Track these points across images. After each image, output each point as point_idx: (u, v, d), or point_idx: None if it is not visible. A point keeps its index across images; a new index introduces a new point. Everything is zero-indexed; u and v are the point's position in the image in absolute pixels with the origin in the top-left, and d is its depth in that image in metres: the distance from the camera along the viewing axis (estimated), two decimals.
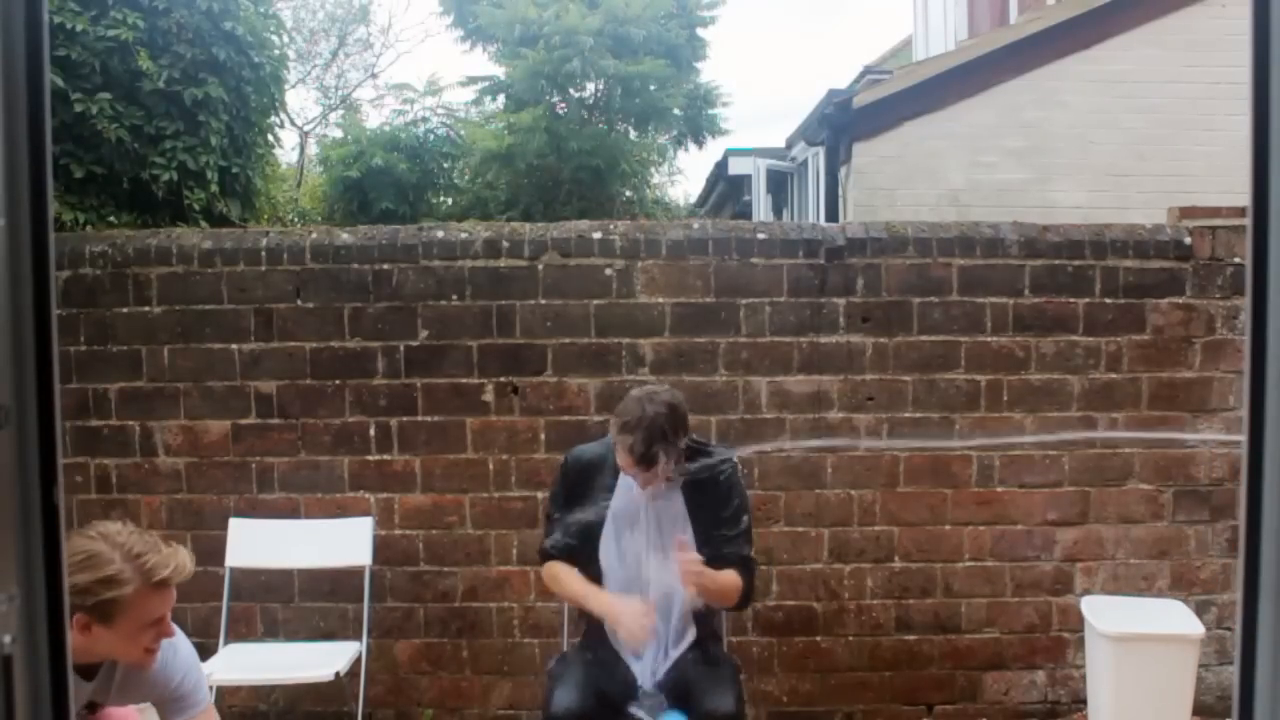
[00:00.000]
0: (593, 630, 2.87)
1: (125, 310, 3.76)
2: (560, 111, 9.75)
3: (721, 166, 11.47)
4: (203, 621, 3.58)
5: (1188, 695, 3.38)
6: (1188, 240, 3.78)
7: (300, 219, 9.77)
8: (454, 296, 3.74)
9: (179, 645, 2.20)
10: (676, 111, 10.27)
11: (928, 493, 3.78)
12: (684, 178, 29.59)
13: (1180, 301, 3.78)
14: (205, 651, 2.42)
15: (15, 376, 0.78)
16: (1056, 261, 3.76)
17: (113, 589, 1.94)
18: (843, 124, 7.19)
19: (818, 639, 3.79)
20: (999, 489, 3.78)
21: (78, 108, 4.29)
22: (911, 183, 6.90)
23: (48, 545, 0.80)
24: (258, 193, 5.47)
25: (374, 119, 14.83)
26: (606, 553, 2.81)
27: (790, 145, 9.43)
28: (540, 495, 3.62)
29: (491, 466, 3.77)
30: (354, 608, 3.72)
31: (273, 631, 3.78)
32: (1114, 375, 3.77)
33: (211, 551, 3.56)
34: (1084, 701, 3.68)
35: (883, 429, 3.75)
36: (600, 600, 2.76)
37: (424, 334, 3.75)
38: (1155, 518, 3.80)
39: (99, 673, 2.14)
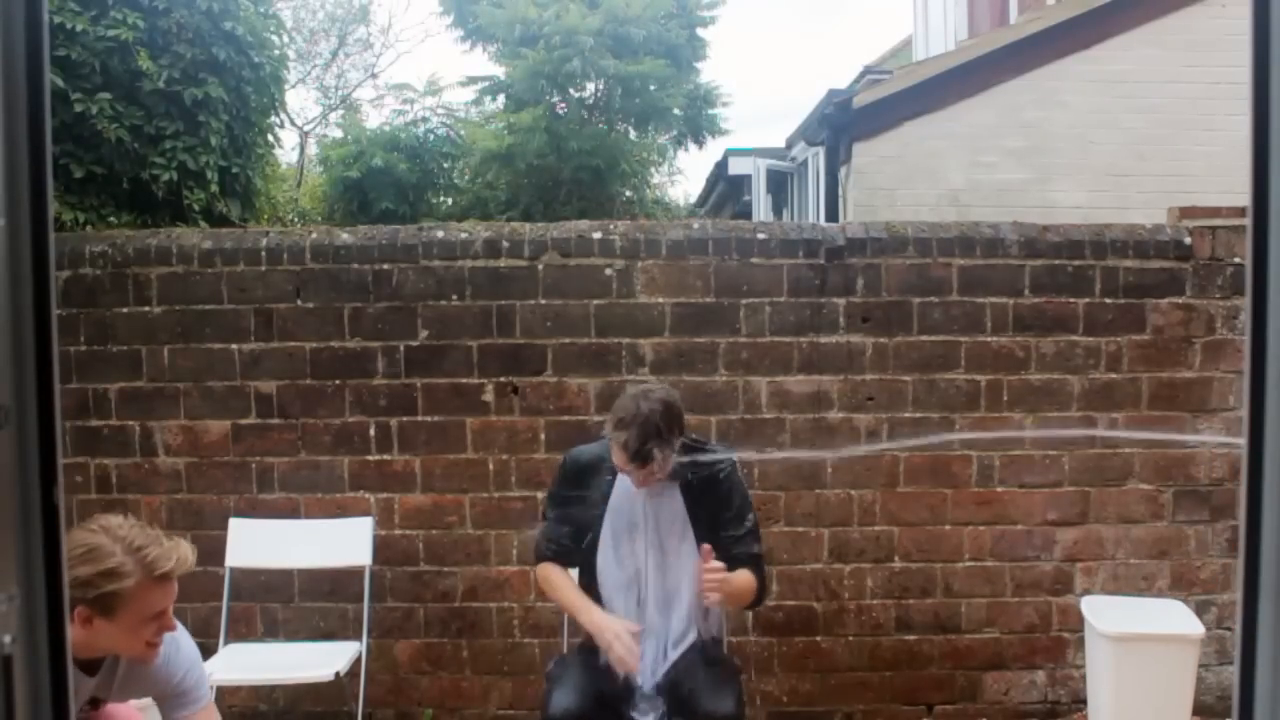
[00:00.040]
0: None
1: (125, 310, 3.76)
2: (560, 111, 9.76)
3: (721, 166, 11.47)
4: (203, 621, 3.58)
5: (1188, 695, 3.38)
6: (1188, 240, 3.78)
7: (300, 219, 9.78)
8: (454, 296, 3.74)
9: (181, 641, 2.20)
10: (676, 111, 10.28)
11: (928, 493, 3.78)
12: (684, 178, 29.62)
13: (1180, 301, 3.78)
14: (205, 651, 2.42)
15: (15, 376, 0.78)
16: (1056, 261, 3.76)
17: (114, 582, 1.93)
18: (843, 124, 7.19)
19: (818, 639, 3.79)
20: (999, 489, 3.78)
21: (78, 108, 4.29)
22: (911, 183, 6.90)
23: (48, 545, 0.80)
24: (258, 193, 5.47)
25: (374, 119, 14.85)
26: (604, 553, 2.81)
27: (790, 145, 9.43)
28: (540, 495, 3.61)
29: (491, 466, 3.77)
30: (354, 608, 3.72)
31: (273, 631, 3.78)
32: (1114, 375, 3.77)
33: (211, 551, 3.55)
34: (1084, 701, 3.68)
35: (883, 429, 3.75)
36: (590, 616, 2.75)
37: (424, 334, 3.75)
38: (1155, 518, 3.80)
39: (101, 668, 2.14)
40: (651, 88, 9.72)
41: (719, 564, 2.61)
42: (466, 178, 10.50)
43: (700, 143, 10.97)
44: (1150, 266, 3.78)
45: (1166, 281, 3.78)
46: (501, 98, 10.42)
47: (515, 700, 3.78)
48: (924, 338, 3.75)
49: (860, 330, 3.75)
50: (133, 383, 3.77)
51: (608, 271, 3.74)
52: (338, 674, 3.29)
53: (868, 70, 8.77)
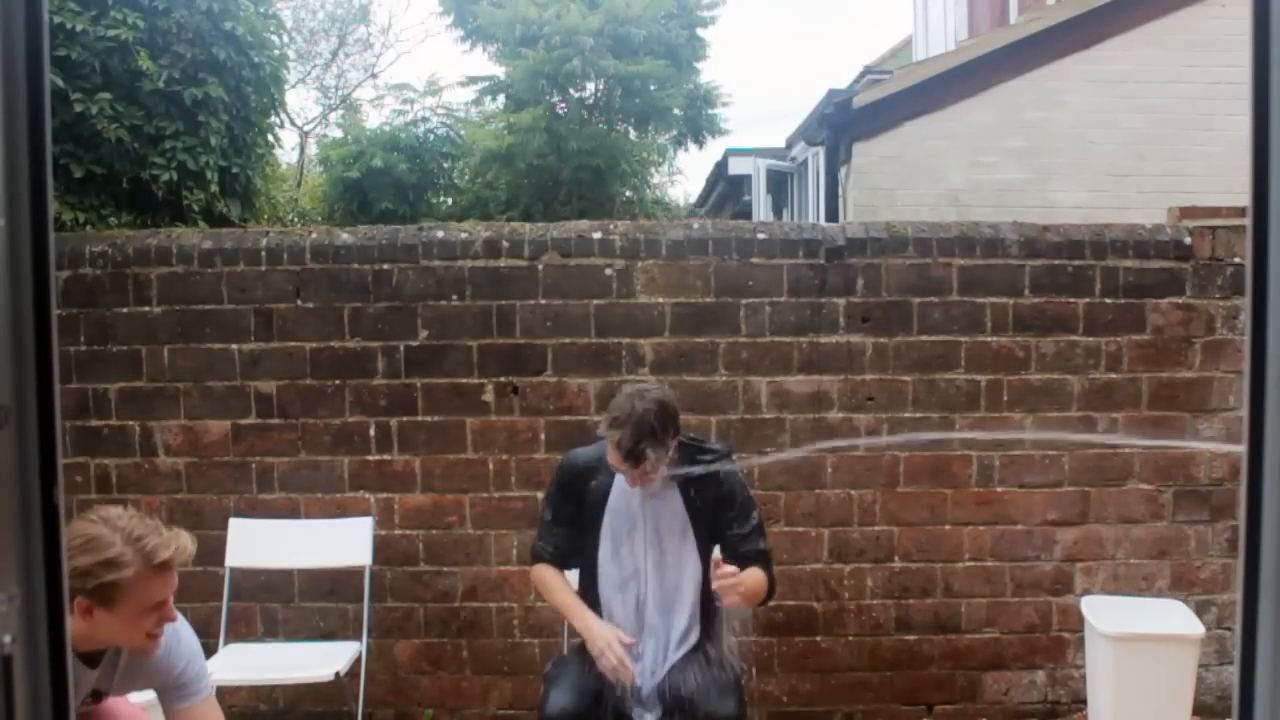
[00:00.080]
0: None
1: (125, 310, 3.76)
2: (560, 111, 9.75)
3: (721, 166, 11.47)
4: (203, 621, 3.57)
5: (1188, 695, 3.38)
6: (1188, 240, 3.78)
7: (300, 219, 9.78)
8: (454, 296, 3.74)
9: (181, 632, 2.19)
10: (676, 111, 10.27)
11: (928, 493, 3.78)
12: (684, 178, 29.64)
13: (1180, 301, 3.78)
14: (206, 651, 2.41)
15: (15, 376, 0.78)
16: (1056, 261, 3.76)
17: (113, 571, 1.93)
18: (843, 124, 7.19)
19: (818, 639, 3.79)
20: (999, 489, 3.78)
21: (78, 108, 4.28)
22: (911, 183, 6.90)
23: (48, 545, 0.80)
24: (258, 193, 5.47)
25: (374, 119, 14.85)
26: (604, 554, 2.81)
27: (790, 145, 9.43)
28: (540, 495, 3.62)
29: (491, 466, 3.77)
30: (354, 608, 3.72)
31: (273, 631, 3.78)
32: (1114, 375, 3.77)
33: (211, 551, 3.55)
34: (1084, 701, 3.68)
35: (883, 429, 3.74)
36: (584, 622, 2.74)
37: (424, 334, 3.75)
38: (1155, 518, 3.80)
39: (103, 660, 2.13)
40: (651, 88, 9.72)
41: (731, 568, 2.58)
42: (466, 178, 10.50)
43: (700, 143, 10.97)
44: (1150, 266, 3.78)
45: (1166, 281, 3.78)
46: (501, 98, 10.42)
47: (515, 700, 3.78)
48: (924, 338, 3.75)
49: (860, 330, 3.75)
50: (133, 383, 3.77)
51: (608, 271, 3.74)
52: (338, 674, 3.29)
53: (868, 70, 8.77)
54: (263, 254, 3.76)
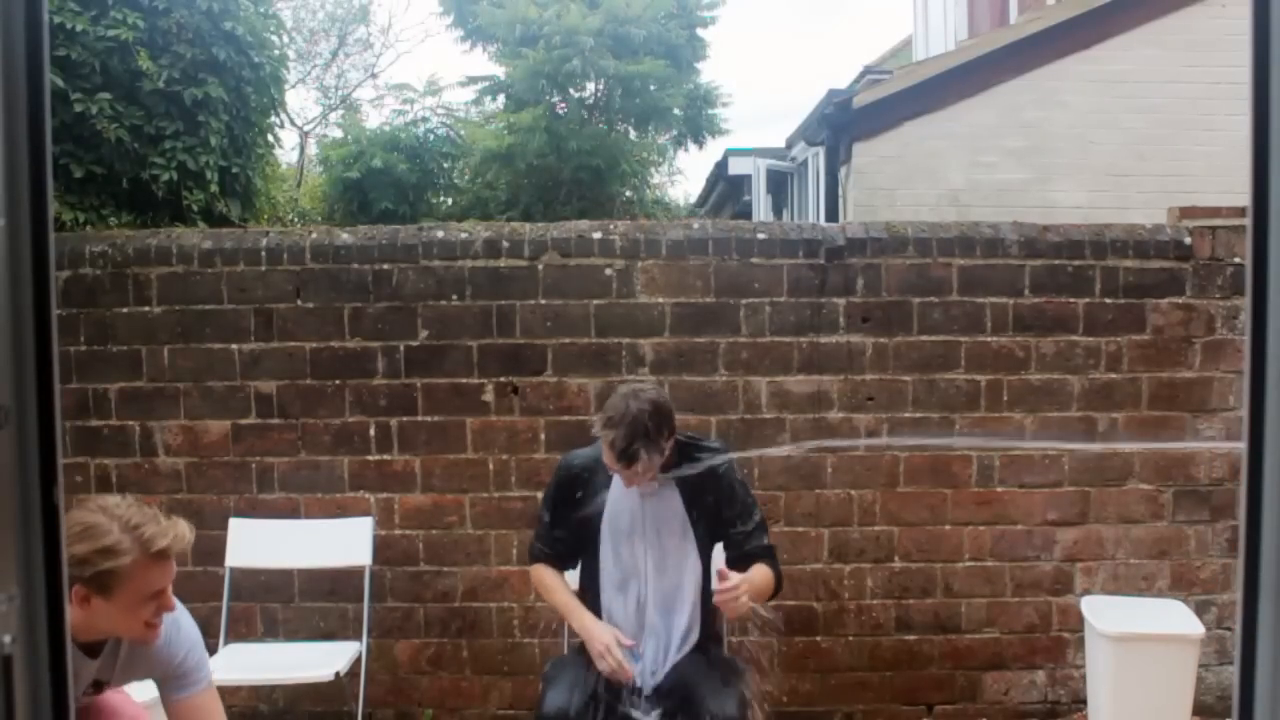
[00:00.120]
0: None
1: (125, 310, 3.76)
2: (560, 111, 9.75)
3: (721, 166, 11.46)
4: (203, 621, 3.52)
5: (1188, 695, 3.38)
6: (1188, 240, 3.78)
7: (300, 219, 9.77)
8: (454, 296, 3.74)
9: (181, 621, 2.18)
10: (676, 111, 10.27)
11: (928, 493, 3.78)
12: (684, 178, 29.64)
13: (1180, 301, 3.78)
14: (206, 651, 2.42)
15: (15, 376, 0.78)
16: (1056, 261, 3.76)
17: (111, 559, 1.91)
18: (843, 124, 7.19)
19: (818, 639, 3.79)
20: (999, 489, 3.78)
21: (78, 108, 4.29)
22: (911, 183, 6.90)
23: (48, 545, 0.80)
24: (258, 193, 5.47)
25: (374, 119, 14.84)
26: (603, 554, 2.80)
27: (790, 145, 9.43)
28: (540, 495, 3.62)
29: (491, 466, 3.77)
30: (354, 608, 3.72)
31: (273, 631, 3.78)
32: (1114, 375, 3.77)
33: (211, 551, 3.56)
34: (1084, 701, 3.68)
35: (883, 429, 3.74)
36: (582, 622, 2.75)
37: (424, 334, 3.75)
38: (1155, 518, 3.80)
39: (103, 651, 2.12)
40: (651, 88, 9.71)
41: (731, 580, 2.56)
42: (466, 178, 10.50)
43: (700, 143, 10.97)
44: (1150, 266, 3.78)
45: (1166, 281, 3.78)
46: (501, 98, 10.41)
47: (515, 700, 3.78)
48: (924, 338, 3.75)
49: (860, 330, 3.75)
50: (133, 383, 3.77)
51: (608, 271, 3.74)
52: (338, 674, 3.29)
53: (868, 70, 8.76)
54: (263, 254, 3.76)
